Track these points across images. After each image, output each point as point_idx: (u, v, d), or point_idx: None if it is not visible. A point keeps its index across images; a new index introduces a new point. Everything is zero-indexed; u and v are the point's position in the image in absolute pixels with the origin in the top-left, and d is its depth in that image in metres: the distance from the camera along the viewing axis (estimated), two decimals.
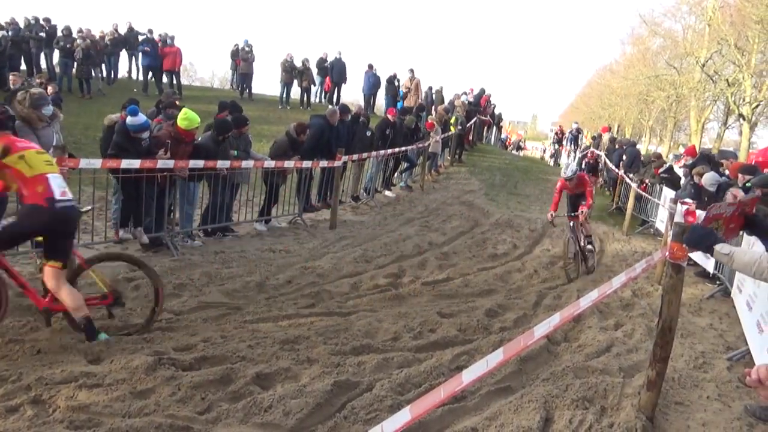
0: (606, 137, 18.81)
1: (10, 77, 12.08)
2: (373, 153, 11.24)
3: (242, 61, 18.74)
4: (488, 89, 24.07)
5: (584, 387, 4.22)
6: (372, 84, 19.59)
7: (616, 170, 14.55)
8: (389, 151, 11.85)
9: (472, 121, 19.35)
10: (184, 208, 7.57)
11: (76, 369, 3.94)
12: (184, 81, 20.47)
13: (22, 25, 16.10)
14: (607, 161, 16.27)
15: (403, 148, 12.43)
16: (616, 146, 16.66)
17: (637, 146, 18.00)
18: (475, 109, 19.73)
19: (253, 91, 19.81)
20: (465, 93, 20.09)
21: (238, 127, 8.20)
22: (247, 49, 18.73)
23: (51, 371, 3.87)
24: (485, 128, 23.17)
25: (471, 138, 19.95)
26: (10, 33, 15.70)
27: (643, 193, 11.88)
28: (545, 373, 4.54)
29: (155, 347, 4.47)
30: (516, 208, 12.83)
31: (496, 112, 25.14)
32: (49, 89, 9.74)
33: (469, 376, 2.14)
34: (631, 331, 5.69)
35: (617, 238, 10.91)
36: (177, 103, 8.65)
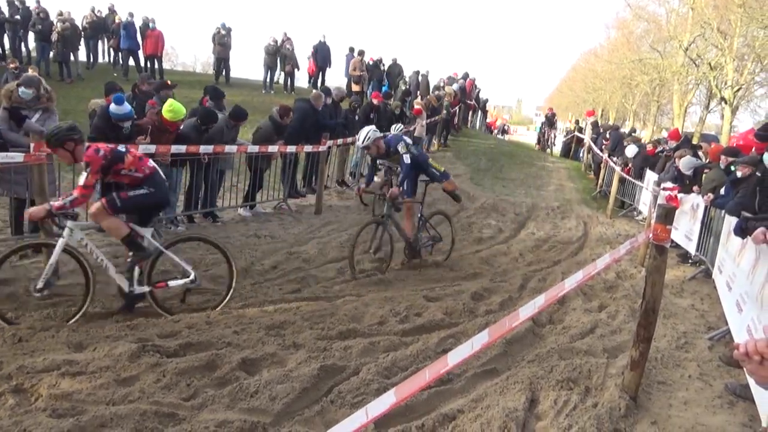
0: (590, 121, 18.91)
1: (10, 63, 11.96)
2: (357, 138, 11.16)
3: (219, 45, 18.37)
4: (473, 73, 23.99)
5: (569, 368, 4.26)
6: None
7: (601, 154, 14.64)
8: None
9: (457, 105, 19.32)
10: None
11: (59, 357, 3.89)
12: (165, 65, 20.12)
13: None
14: (592, 145, 16.36)
15: (387, 133, 12.36)
16: (600, 130, 16.76)
17: (621, 130, 18.13)
18: (460, 93, 19.69)
19: (236, 75, 19.52)
20: (455, 81, 20.01)
21: (237, 120, 8.12)
22: (223, 32, 18.35)
23: (32, 360, 3.81)
24: (470, 113, 23.15)
25: (456, 122, 19.93)
26: None
27: (627, 176, 11.97)
28: (530, 355, 4.58)
29: (139, 334, 4.43)
30: (501, 192, 12.87)
31: (481, 96, 25.12)
32: (30, 71, 9.49)
33: (454, 358, 2.14)
34: (614, 313, 5.75)
35: (601, 221, 11.00)
36: (169, 83, 8.47)
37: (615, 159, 13.24)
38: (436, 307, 5.48)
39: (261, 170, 8.76)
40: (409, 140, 7.21)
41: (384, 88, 17.93)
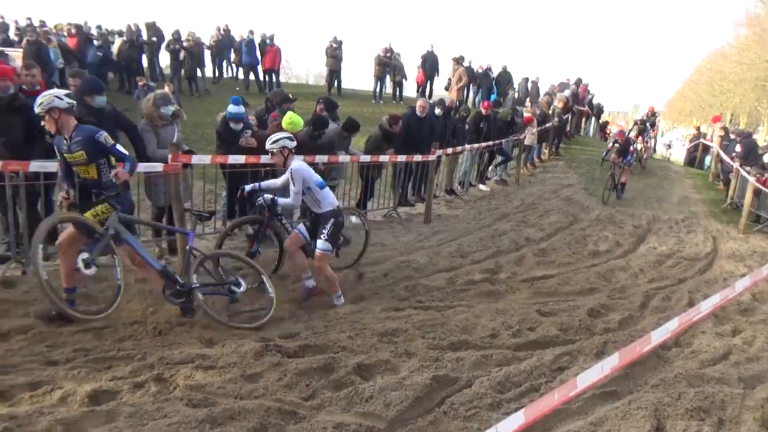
0: (717, 127, 17.40)
1: (139, 81, 13.46)
2: (467, 146, 11.12)
3: (331, 57, 19.11)
4: (586, 78, 23.04)
5: (699, 396, 3.95)
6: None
7: (732, 163, 13.45)
8: (483, 144, 11.67)
9: (570, 112, 18.60)
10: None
11: (193, 351, 4.22)
12: (281, 79, 21.22)
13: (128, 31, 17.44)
14: (722, 153, 15.08)
15: (498, 141, 12.20)
16: (732, 136, 15.39)
17: (754, 137, 16.55)
18: (573, 99, 18.95)
19: (347, 86, 20.17)
20: (567, 86, 19.32)
21: (350, 131, 8.44)
22: (335, 45, 19.08)
23: (171, 352, 4.17)
24: (584, 119, 22.21)
25: (569, 130, 19.20)
26: (124, 38, 17.07)
27: (763, 187, 10.89)
28: (655, 379, 4.30)
29: (262, 333, 4.70)
30: (617, 203, 12.21)
31: (595, 102, 24.01)
32: (166, 88, 10.41)
33: (584, 381, 2.07)
34: (751, 339, 5.26)
35: (732, 237, 10.09)
36: (291, 96, 8.96)
37: (748, 168, 12.09)
38: (550, 322, 5.31)
39: (372, 179, 8.97)
40: None
41: (492, 97, 17.72)
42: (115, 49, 16.96)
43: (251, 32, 18.85)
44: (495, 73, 19.83)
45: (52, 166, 5.74)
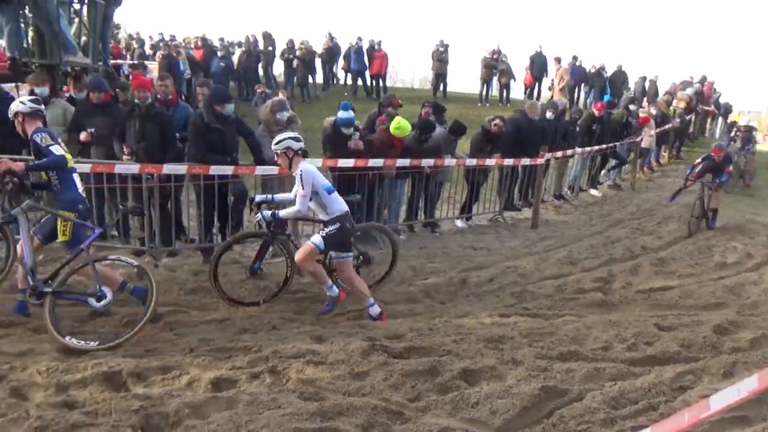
0: None
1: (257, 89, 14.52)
2: (578, 150, 10.68)
3: (437, 61, 19.17)
4: (711, 76, 21.28)
5: None
6: (575, 77, 18.62)
7: None
8: (595, 147, 11.15)
9: (693, 112, 17.28)
10: (391, 204, 8.01)
11: (304, 346, 4.40)
12: (387, 83, 21.59)
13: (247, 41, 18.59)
14: None
15: (612, 144, 11.60)
16: None
17: None
18: (696, 98, 17.58)
19: (452, 90, 20.12)
20: (690, 85, 17.99)
21: (456, 135, 8.46)
22: (441, 49, 19.11)
23: (284, 346, 4.38)
24: (709, 119, 20.53)
25: (692, 131, 17.84)
26: (243, 49, 18.23)
27: None
28: None
29: (368, 333, 4.80)
30: (747, 210, 11.15)
31: (722, 101, 22.11)
32: (280, 95, 11.01)
33: (717, 403, 1.91)
34: None
35: None
36: (396, 101, 9.12)
37: None
38: (670, 337, 4.96)
39: (478, 183, 8.88)
40: None
41: (606, 98, 16.87)
42: (235, 59, 18.16)
43: (359, 39, 19.35)
44: (609, 72, 18.88)
45: (182, 168, 6.28)
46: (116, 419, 3.32)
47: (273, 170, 6.40)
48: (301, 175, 5.09)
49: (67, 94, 7.74)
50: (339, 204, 5.26)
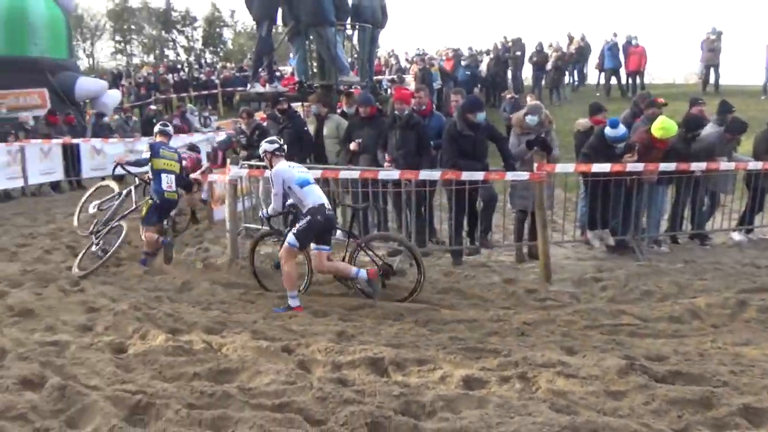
0: None
1: (507, 95, 14.66)
2: None
3: (708, 51, 16.87)
4: None
5: None
6: None
7: None
8: None
9: None
10: (651, 212, 7.32)
11: (554, 356, 4.29)
12: (646, 80, 19.77)
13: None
14: None
15: None
16: None
17: None
18: None
19: (726, 82, 17.50)
20: None
21: (733, 134, 7.44)
22: (713, 37, 16.76)
23: (533, 353, 4.32)
24: None
25: None
26: (491, 56, 18.51)
27: None
28: None
29: (625, 351, 4.46)
30: None
31: None
32: (529, 99, 10.85)
33: None
34: None
35: None
36: (658, 100, 8.17)
37: None
38: None
39: (762, 189, 7.58)
40: None
41: None
42: (483, 66, 18.59)
43: (615, 35, 18.15)
44: None
45: (436, 174, 6.66)
46: (380, 401, 3.67)
47: (523, 176, 6.39)
48: (270, 176, 5.62)
49: (339, 110, 8.84)
50: (313, 197, 5.52)
